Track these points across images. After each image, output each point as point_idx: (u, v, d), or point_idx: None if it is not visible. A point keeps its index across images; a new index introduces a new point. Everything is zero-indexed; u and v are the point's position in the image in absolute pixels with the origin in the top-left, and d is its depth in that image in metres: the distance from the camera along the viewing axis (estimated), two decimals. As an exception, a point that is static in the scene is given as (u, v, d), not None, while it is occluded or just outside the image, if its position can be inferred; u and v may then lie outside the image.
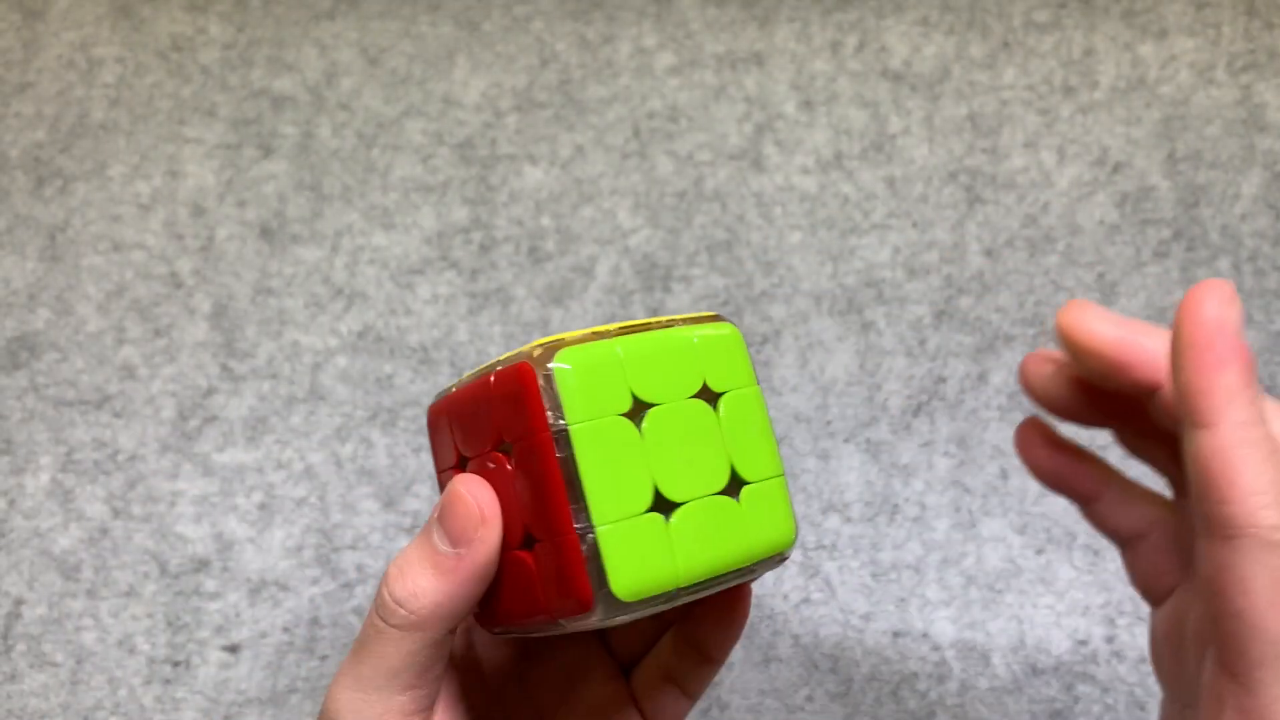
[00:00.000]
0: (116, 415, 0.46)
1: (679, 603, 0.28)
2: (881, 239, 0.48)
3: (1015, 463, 0.45)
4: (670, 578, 0.27)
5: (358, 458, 0.46)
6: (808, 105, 0.51)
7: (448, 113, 0.51)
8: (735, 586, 0.30)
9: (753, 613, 0.39)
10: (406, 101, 0.51)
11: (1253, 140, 0.49)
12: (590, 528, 0.26)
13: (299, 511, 0.45)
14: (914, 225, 0.49)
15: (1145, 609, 0.43)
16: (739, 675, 0.43)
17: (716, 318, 0.30)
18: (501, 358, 0.28)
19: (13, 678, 0.43)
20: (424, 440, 0.46)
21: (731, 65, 0.52)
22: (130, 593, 0.44)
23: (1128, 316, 0.29)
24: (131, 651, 0.43)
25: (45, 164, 0.51)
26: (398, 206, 0.50)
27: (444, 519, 0.27)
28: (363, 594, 0.44)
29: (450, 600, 0.27)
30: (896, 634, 0.44)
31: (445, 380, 0.47)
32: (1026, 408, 0.46)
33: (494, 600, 0.28)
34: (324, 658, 0.44)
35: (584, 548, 0.26)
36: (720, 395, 0.29)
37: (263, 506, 0.45)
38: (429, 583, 0.27)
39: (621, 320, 0.35)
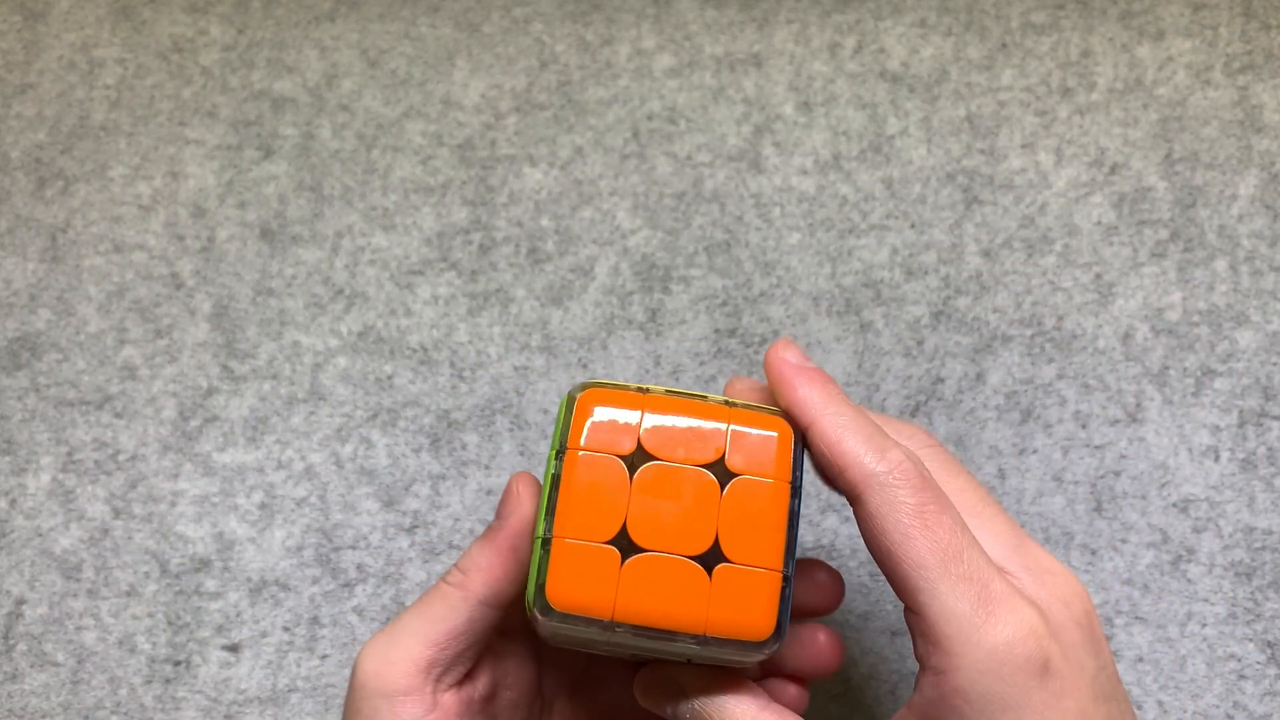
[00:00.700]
0: (117, 415, 0.47)
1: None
2: (879, 240, 0.49)
3: (1013, 462, 0.45)
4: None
5: (358, 458, 0.46)
6: (806, 107, 0.51)
7: (447, 114, 0.51)
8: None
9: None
10: (406, 103, 0.52)
11: (1250, 141, 0.50)
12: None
13: (299, 511, 0.45)
14: (912, 226, 0.49)
15: (1143, 609, 0.43)
16: (738, 674, 0.43)
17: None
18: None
19: (14, 677, 0.43)
20: (424, 440, 0.46)
21: (730, 67, 0.52)
22: (131, 592, 0.44)
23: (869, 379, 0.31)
24: (132, 651, 0.43)
25: (46, 165, 0.51)
26: (398, 207, 0.50)
27: (499, 504, 0.33)
28: (363, 593, 0.45)
29: (490, 564, 0.32)
30: (894, 633, 0.44)
31: (445, 380, 0.47)
32: (1024, 407, 0.46)
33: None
34: (324, 657, 0.44)
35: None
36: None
37: (263, 506, 0.45)
38: (478, 547, 0.32)
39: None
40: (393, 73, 0.52)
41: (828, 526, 0.45)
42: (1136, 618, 0.43)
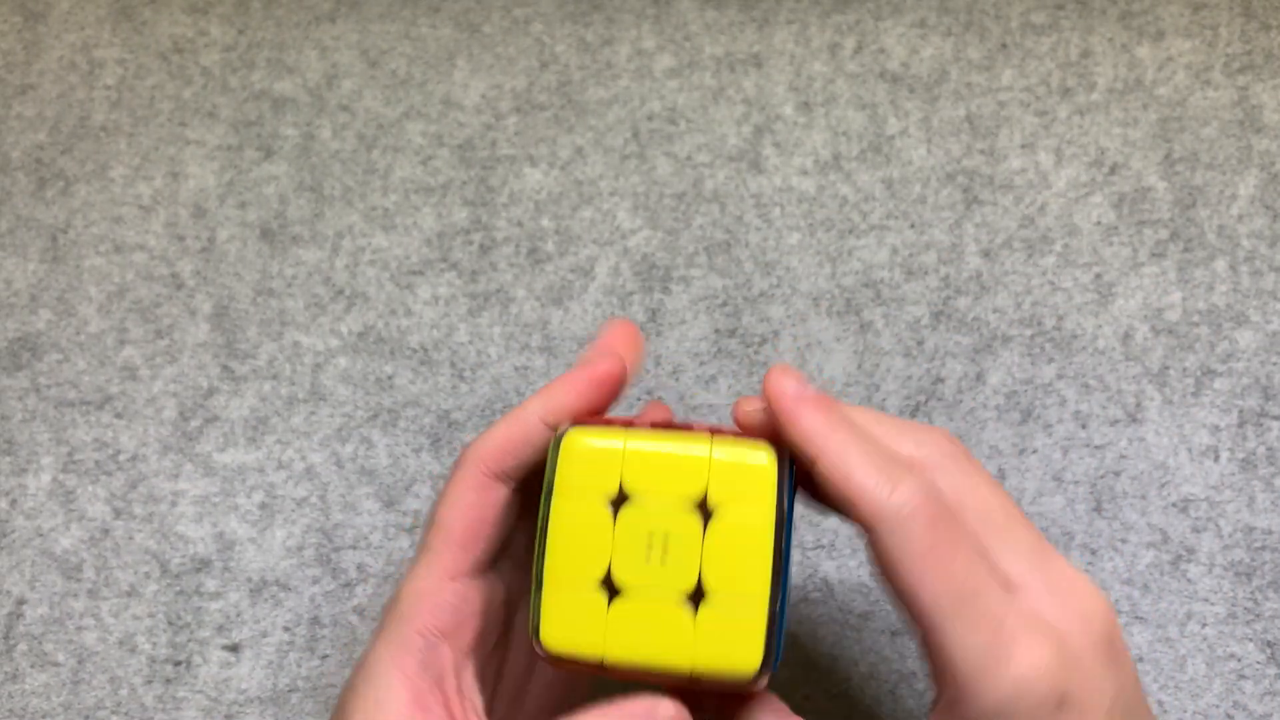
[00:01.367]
0: (118, 416, 0.47)
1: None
2: (879, 240, 0.49)
3: (1013, 462, 0.45)
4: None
5: (358, 458, 0.46)
6: (806, 107, 0.51)
7: (448, 114, 0.51)
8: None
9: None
10: (407, 103, 0.52)
11: (1249, 141, 0.50)
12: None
13: (300, 511, 0.45)
14: (912, 226, 0.49)
15: (1143, 608, 0.43)
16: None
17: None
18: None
19: (14, 677, 0.43)
20: (424, 440, 0.46)
21: (730, 67, 0.52)
22: (131, 592, 0.44)
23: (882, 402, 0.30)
24: (133, 651, 0.43)
25: (47, 166, 0.51)
26: (398, 208, 0.50)
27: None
28: (363, 593, 0.45)
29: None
30: (894, 633, 0.44)
31: (445, 380, 0.47)
32: (1024, 407, 0.46)
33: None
34: (325, 657, 0.44)
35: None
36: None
37: (264, 506, 0.45)
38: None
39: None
40: (393, 73, 0.52)
41: (828, 526, 0.45)
42: (1136, 618, 0.43)
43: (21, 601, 0.44)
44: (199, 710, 0.43)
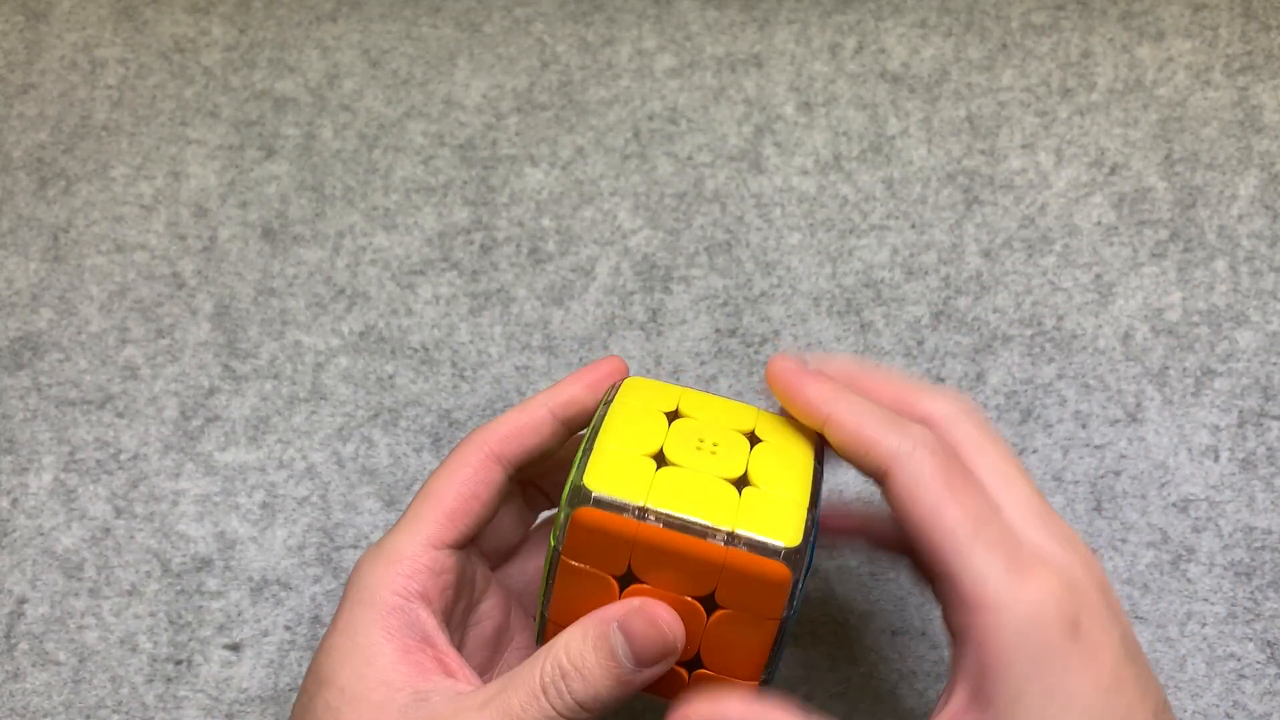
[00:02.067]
0: (119, 415, 0.47)
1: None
2: (880, 240, 0.49)
3: (1013, 462, 0.45)
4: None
5: (359, 457, 0.46)
6: (807, 107, 0.51)
7: (449, 114, 0.51)
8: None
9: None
10: (408, 103, 0.52)
11: (1249, 142, 0.50)
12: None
13: (301, 510, 0.45)
14: (912, 226, 0.49)
15: (1143, 608, 0.43)
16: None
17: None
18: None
19: (15, 676, 0.43)
20: (425, 440, 0.46)
21: (731, 67, 0.52)
22: (132, 591, 0.44)
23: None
24: (134, 650, 0.43)
25: (48, 165, 0.51)
26: (399, 207, 0.50)
27: (637, 640, 0.30)
28: (364, 593, 0.45)
29: (616, 702, 0.30)
30: (895, 633, 0.44)
31: (446, 380, 0.47)
32: (1024, 407, 0.46)
33: None
34: (325, 656, 0.44)
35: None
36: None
37: (265, 505, 0.45)
38: (609, 692, 0.30)
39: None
40: (394, 73, 0.52)
41: (828, 526, 0.45)
42: (1136, 617, 0.43)
43: (23, 600, 0.44)
44: (200, 709, 0.43)
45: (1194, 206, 0.49)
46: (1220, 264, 0.48)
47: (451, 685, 0.31)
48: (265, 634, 0.44)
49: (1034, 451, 0.45)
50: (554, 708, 0.29)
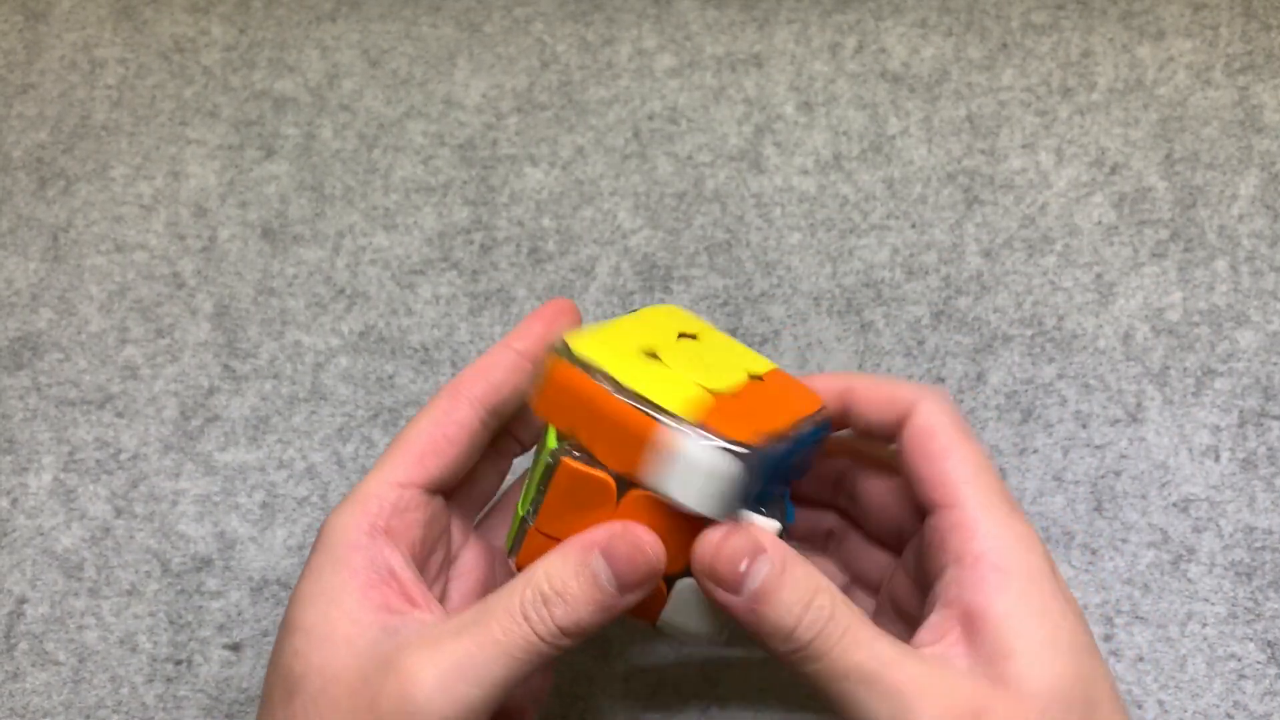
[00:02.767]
0: (119, 415, 0.47)
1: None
2: (880, 240, 0.49)
3: (1014, 462, 0.45)
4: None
5: (359, 457, 0.46)
6: (807, 107, 0.51)
7: (449, 114, 0.51)
8: None
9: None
10: (408, 103, 0.52)
11: (1250, 141, 0.50)
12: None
13: (301, 510, 0.45)
14: (912, 226, 0.49)
15: (1143, 608, 0.43)
16: (737, 673, 0.43)
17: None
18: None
19: (15, 676, 0.43)
20: (425, 440, 0.46)
21: (731, 67, 0.52)
22: (132, 591, 0.44)
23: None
24: (134, 650, 0.43)
25: (48, 165, 0.51)
26: (399, 207, 0.50)
27: (620, 564, 0.29)
28: (364, 593, 0.45)
29: (597, 628, 0.29)
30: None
31: (446, 380, 0.47)
32: (1025, 407, 0.46)
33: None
34: (325, 656, 0.44)
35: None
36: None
37: (265, 505, 0.45)
38: (591, 617, 0.29)
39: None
40: (394, 73, 0.52)
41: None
42: (1136, 617, 0.43)
43: (22, 600, 0.44)
44: (200, 709, 0.43)
45: (1194, 206, 0.49)
46: (1221, 264, 0.48)
47: (420, 616, 0.30)
48: (265, 634, 0.44)
49: (1034, 451, 0.45)
50: (536, 633, 0.29)
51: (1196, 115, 0.50)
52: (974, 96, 0.51)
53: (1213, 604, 0.43)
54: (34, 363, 0.48)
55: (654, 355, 0.31)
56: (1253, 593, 0.43)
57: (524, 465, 0.37)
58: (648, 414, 0.29)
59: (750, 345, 0.47)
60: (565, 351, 0.30)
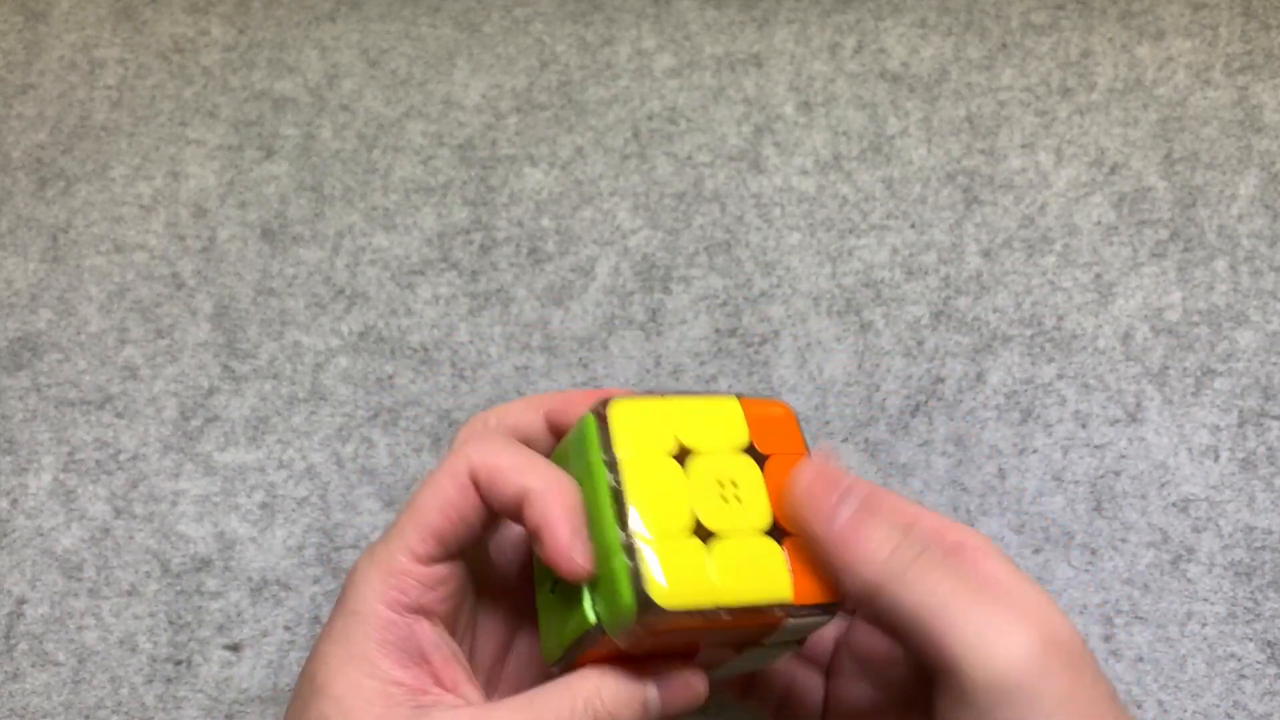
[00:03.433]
0: (118, 415, 0.47)
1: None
2: (880, 240, 0.49)
3: (1013, 462, 0.45)
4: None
5: (359, 457, 0.46)
6: (806, 107, 0.51)
7: (448, 114, 0.51)
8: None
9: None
10: (407, 103, 0.52)
11: (1249, 141, 0.50)
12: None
13: (300, 511, 0.45)
14: (912, 226, 0.49)
15: (1143, 608, 0.43)
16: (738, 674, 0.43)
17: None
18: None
19: (15, 677, 0.43)
20: (425, 440, 0.46)
21: (730, 67, 0.52)
22: (132, 592, 0.44)
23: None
24: (133, 650, 0.43)
25: (47, 165, 0.51)
26: (398, 207, 0.50)
27: (671, 698, 0.31)
28: (364, 593, 0.45)
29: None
30: (895, 633, 0.44)
31: (446, 380, 0.47)
32: (1024, 407, 0.46)
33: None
34: (325, 656, 0.44)
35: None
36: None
37: (264, 506, 0.45)
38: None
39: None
40: (393, 73, 0.52)
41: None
42: (1136, 617, 0.43)
43: (22, 601, 0.44)
44: (199, 710, 0.43)
45: (1194, 206, 0.49)
46: (1220, 264, 0.48)
47: (450, 700, 0.30)
48: (265, 634, 0.44)
49: (1034, 451, 0.45)
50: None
51: (1196, 115, 0.50)
52: (973, 96, 0.51)
53: (1212, 604, 0.43)
54: (34, 363, 0.48)
55: (704, 530, 0.30)
56: (1252, 593, 0.43)
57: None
58: (768, 615, 0.29)
59: (750, 345, 0.47)
60: (600, 413, 0.30)
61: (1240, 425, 0.45)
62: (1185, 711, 0.42)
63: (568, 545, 0.29)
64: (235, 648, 0.43)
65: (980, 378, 0.46)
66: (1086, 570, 0.44)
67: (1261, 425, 0.45)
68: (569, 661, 0.31)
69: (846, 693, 0.35)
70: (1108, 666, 0.42)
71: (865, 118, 0.51)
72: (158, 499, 0.45)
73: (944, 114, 0.51)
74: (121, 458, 0.46)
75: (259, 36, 0.53)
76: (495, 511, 0.31)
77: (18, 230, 0.50)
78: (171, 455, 0.46)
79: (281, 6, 0.54)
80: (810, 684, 0.36)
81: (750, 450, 0.32)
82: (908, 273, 0.48)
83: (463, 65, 0.52)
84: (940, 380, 0.46)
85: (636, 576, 0.29)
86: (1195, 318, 0.47)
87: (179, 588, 0.44)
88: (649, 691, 0.30)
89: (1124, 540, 0.44)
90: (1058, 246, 0.48)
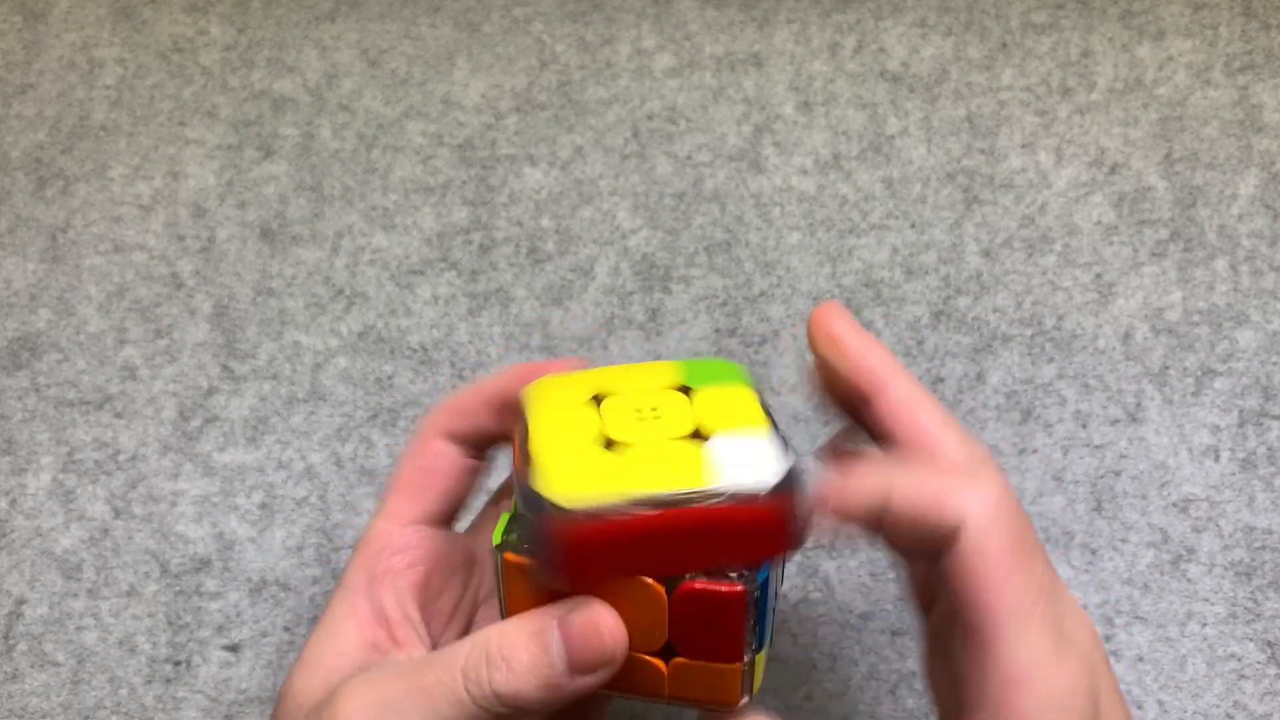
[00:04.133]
0: (117, 415, 0.47)
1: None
2: (879, 240, 0.49)
3: (1013, 462, 0.45)
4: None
5: (358, 457, 0.46)
6: (806, 106, 0.51)
7: (448, 114, 0.51)
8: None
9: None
10: (407, 103, 0.52)
11: (1250, 141, 0.50)
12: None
13: (300, 511, 0.45)
14: (912, 226, 0.49)
15: (1143, 608, 0.43)
16: (738, 674, 0.43)
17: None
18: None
19: (14, 677, 0.43)
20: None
21: (730, 67, 0.52)
22: (131, 592, 0.44)
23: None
24: (132, 651, 0.43)
25: (46, 165, 0.51)
26: (398, 207, 0.50)
27: (573, 643, 0.27)
28: (363, 593, 0.45)
29: (540, 706, 0.27)
30: (895, 633, 0.44)
31: (445, 381, 0.47)
32: (1024, 407, 0.46)
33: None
34: (324, 657, 0.44)
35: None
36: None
37: (263, 506, 0.45)
38: (533, 692, 0.27)
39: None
40: (393, 72, 0.52)
41: (828, 526, 0.45)
42: (1136, 617, 0.43)
43: (21, 601, 0.44)
44: (199, 710, 0.43)
45: (1194, 206, 0.49)
46: (1220, 263, 0.48)
47: (396, 656, 0.30)
48: (264, 635, 0.44)
49: (1034, 451, 0.45)
50: (469, 693, 0.27)
51: (1196, 115, 0.50)
52: (973, 96, 0.51)
53: (1213, 604, 0.43)
54: (32, 363, 0.48)
55: (611, 442, 0.28)
56: (1252, 593, 0.43)
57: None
58: (700, 505, 0.26)
59: (750, 345, 0.47)
60: (555, 509, 0.26)
61: (1240, 425, 0.45)
62: (1185, 711, 0.42)
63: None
64: (234, 648, 0.43)
65: (980, 377, 0.46)
66: (1086, 570, 0.44)
67: (1262, 425, 0.45)
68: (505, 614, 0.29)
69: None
70: (1108, 667, 0.42)
71: (865, 117, 0.51)
72: (157, 499, 0.45)
73: (944, 114, 0.51)
74: (121, 458, 0.46)
75: (258, 36, 0.53)
76: (499, 414, 0.32)
77: (17, 230, 0.50)
78: (170, 455, 0.46)
79: (281, 6, 0.54)
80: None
81: (684, 389, 0.29)
82: (907, 272, 0.48)
83: (462, 65, 0.52)
84: (940, 380, 0.46)
85: (531, 491, 0.26)
86: (1195, 317, 0.47)
87: (178, 588, 0.44)
88: (552, 634, 0.27)
89: (1124, 540, 0.44)
90: (1058, 246, 0.48)
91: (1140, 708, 0.42)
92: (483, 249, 0.49)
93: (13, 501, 0.45)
